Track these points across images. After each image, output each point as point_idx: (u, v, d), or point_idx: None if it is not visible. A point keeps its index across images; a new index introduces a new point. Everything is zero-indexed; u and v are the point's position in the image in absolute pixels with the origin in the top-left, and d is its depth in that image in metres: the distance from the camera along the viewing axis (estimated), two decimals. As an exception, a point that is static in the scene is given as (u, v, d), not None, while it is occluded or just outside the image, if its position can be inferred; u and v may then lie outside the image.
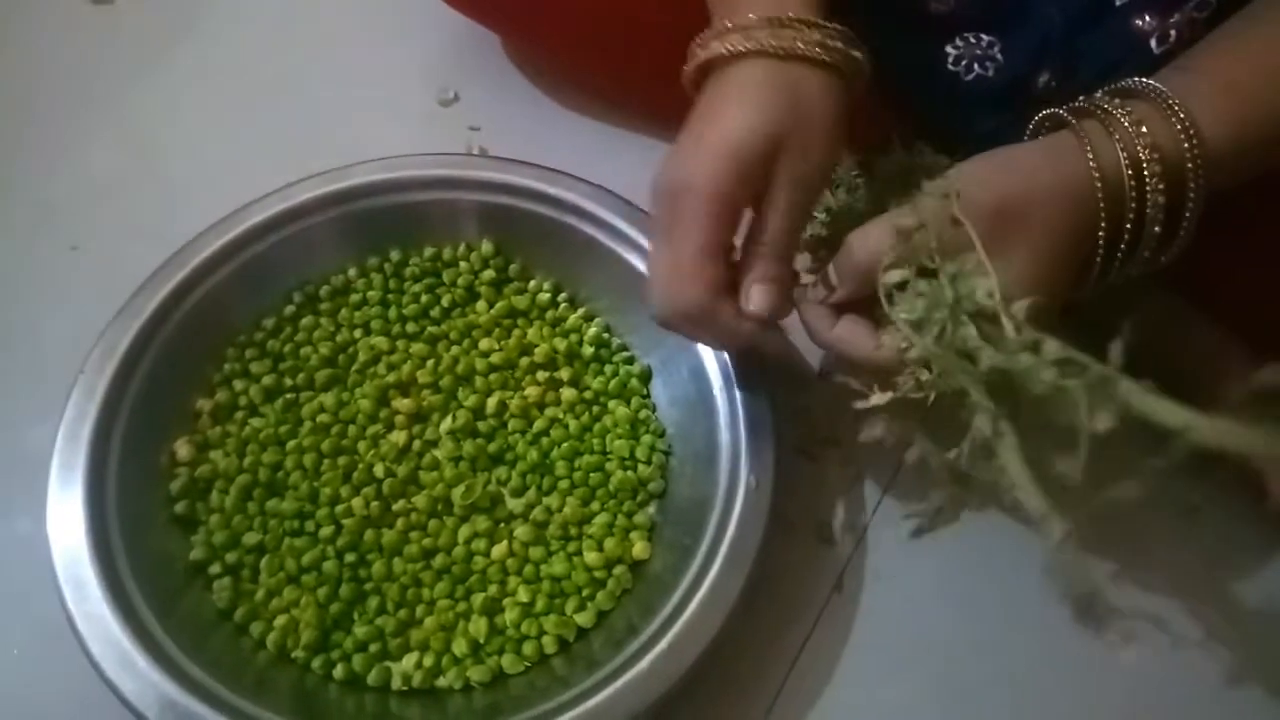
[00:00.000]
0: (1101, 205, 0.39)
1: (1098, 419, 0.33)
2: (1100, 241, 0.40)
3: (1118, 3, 0.48)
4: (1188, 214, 0.39)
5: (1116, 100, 0.40)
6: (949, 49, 0.51)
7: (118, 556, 0.45)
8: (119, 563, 0.45)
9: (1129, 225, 0.39)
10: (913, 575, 0.51)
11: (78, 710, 0.45)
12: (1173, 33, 0.46)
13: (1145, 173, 0.38)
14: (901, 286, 0.40)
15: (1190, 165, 0.38)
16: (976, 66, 0.51)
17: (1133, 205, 0.39)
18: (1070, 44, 0.49)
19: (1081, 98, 0.42)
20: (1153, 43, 0.47)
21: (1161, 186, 0.38)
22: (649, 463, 0.51)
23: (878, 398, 0.39)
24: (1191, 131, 0.38)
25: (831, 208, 0.50)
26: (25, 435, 0.54)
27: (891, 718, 0.47)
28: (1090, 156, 0.39)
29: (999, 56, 0.51)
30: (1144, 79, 0.40)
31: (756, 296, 0.41)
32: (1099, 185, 0.39)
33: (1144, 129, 0.39)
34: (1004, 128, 0.50)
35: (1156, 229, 0.40)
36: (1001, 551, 0.50)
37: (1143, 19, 0.47)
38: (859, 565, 0.51)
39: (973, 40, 0.51)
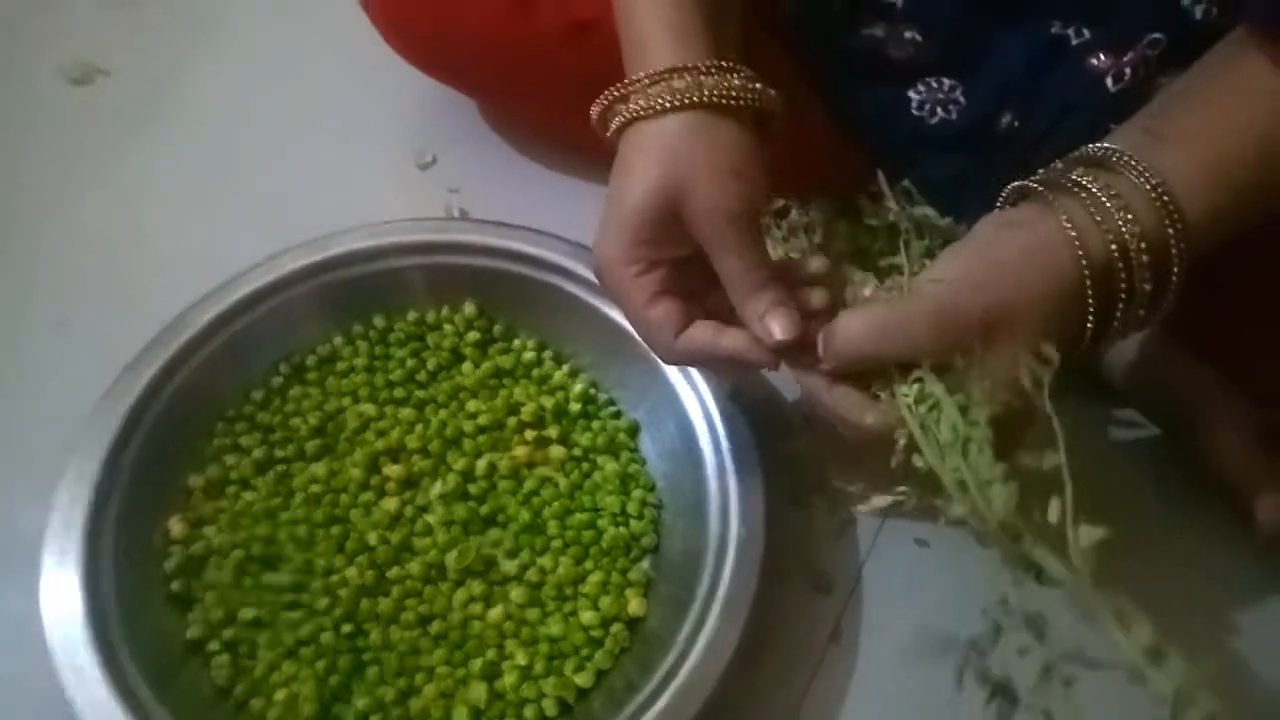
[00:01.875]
0: (1090, 295, 0.38)
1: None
2: (1089, 324, 0.39)
3: (1074, 41, 0.49)
4: (1171, 289, 0.39)
5: (1093, 178, 0.39)
6: (911, 94, 0.52)
7: (115, 637, 0.45)
8: (116, 644, 0.45)
9: (1118, 310, 0.39)
10: (910, 618, 0.51)
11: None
12: (1127, 71, 0.47)
13: (1134, 263, 0.38)
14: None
15: (1174, 248, 0.38)
16: (940, 110, 0.52)
17: (1122, 294, 0.39)
18: (1030, 84, 0.50)
19: (1057, 165, 0.41)
20: (1109, 81, 0.47)
21: (1148, 275, 0.38)
22: (640, 517, 0.52)
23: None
24: (1175, 215, 0.38)
25: (783, 244, 0.51)
26: (14, 516, 0.54)
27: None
28: (1079, 249, 0.38)
29: (961, 99, 0.52)
30: (1116, 147, 0.40)
31: (774, 326, 0.41)
32: (1088, 277, 0.38)
33: (1130, 215, 0.38)
34: (970, 169, 0.51)
35: (1141, 312, 0.39)
36: (996, 587, 0.51)
37: (1097, 58, 0.48)
38: (855, 611, 0.51)
39: (935, 84, 0.52)
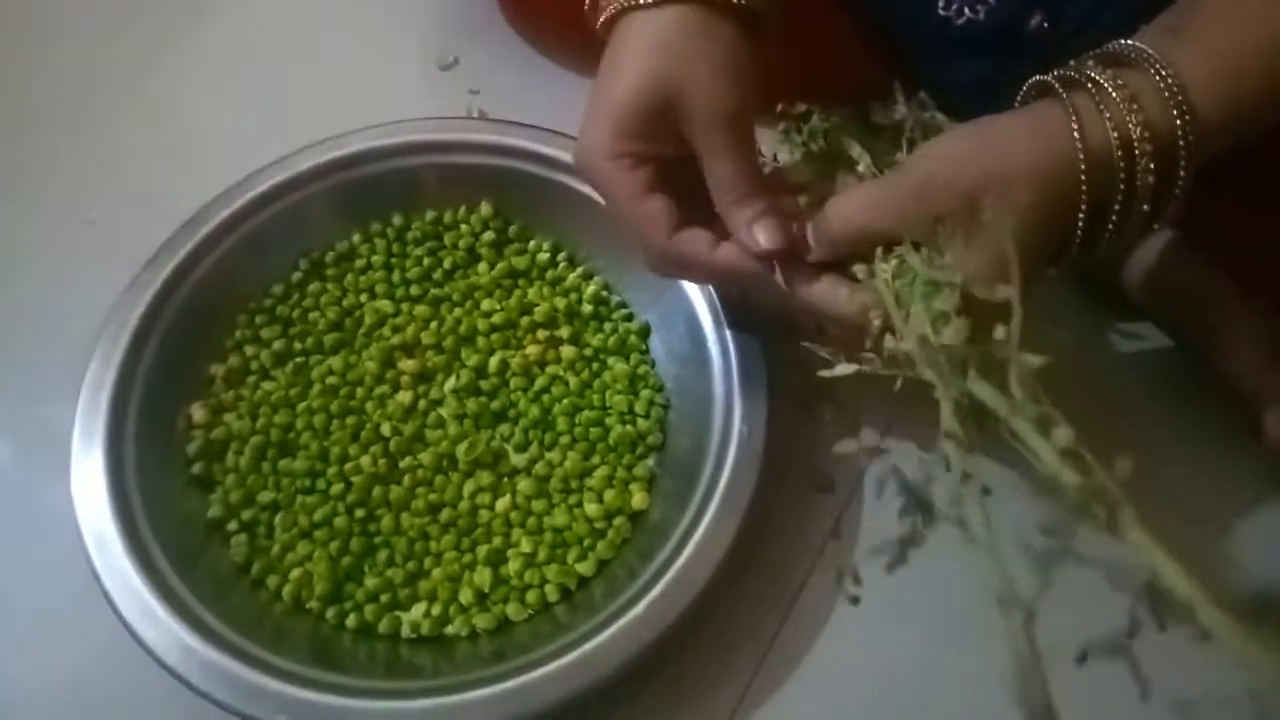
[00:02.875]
0: (1084, 184, 0.38)
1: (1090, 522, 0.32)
2: (1081, 218, 0.39)
3: None
4: (1178, 189, 0.38)
5: (1108, 70, 0.38)
6: None
7: (138, 517, 0.47)
8: (140, 522, 0.47)
9: (1117, 203, 0.38)
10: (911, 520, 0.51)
11: (107, 662, 0.48)
12: None
13: (1136, 152, 0.37)
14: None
15: (1182, 143, 0.37)
16: (967, 10, 0.51)
17: (1121, 184, 0.38)
18: None
19: (1072, 63, 0.40)
20: None
21: (1152, 166, 0.37)
22: (647, 416, 0.53)
23: (843, 368, 0.40)
24: (1185, 108, 0.37)
25: (802, 149, 0.50)
26: (47, 407, 0.56)
27: (892, 660, 0.48)
28: (1076, 135, 0.37)
29: None
30: (1136, 43, 0.39)
31: (761, 236, 0.41)
32: (1082, 165, 0.37)
33: (1136, 105, 0.37)
34: (995, 73, 0.50)
35: (1145, 207, 0.39)
36: (1002, 494, 0.51)
37: None
38: (856, 512, 0.52)
39: None
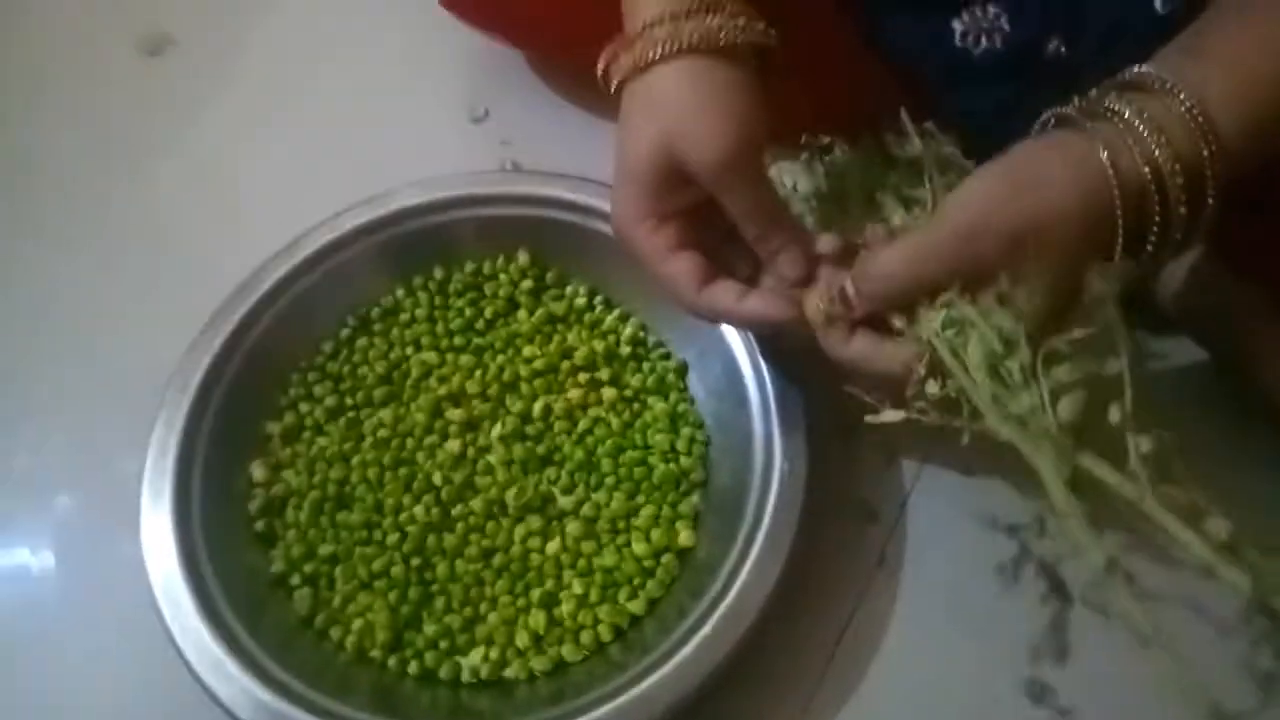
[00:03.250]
0: (1120, 215, 0.38)
1: None
2: (1119, 246, 0.39)
3: None
4: (1206, 210, 0.39)
5: (1131, 101, 0.38)
6: (955, 24, 0.52)
7: (206, 573, 0.49)
8: (208, 579, 0.49)
9: (1153, 231, 0.39)
10: (955, 545, 0.52)
11: (176, 713, 0.49)
12: None
13: (1168, 184, 0.37)
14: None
15: (1209, 168, 0.37)
16: (984, 40, 0.51)
17: (1157, 214, 0.38)
18: (1076, 7, 0.49)
19: (1093, 93, 0.41)
20: (1156, 2, 0.47)
21: (1184, 198, 0.38)
22: (690, 454, 0.54)
23: (890, 414, 0.41)
24: (1211, 135, 0.37)
25: (824, 180, 0.51)
26: (115, 465, 0.58)
27: (941, 688, 0.49)
28: (1111, 170, 0.38)
29: (1006, 26, 0.51)
30: (1155, 70, 0.39)
31: (786, 269, 0.43)
32: (1119, 198, 0.38)
33: (1164, 138, 0.37)
34: (1013, 99, 0.51)
35: (1179, 236, 0.39)
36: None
37: None
38: (901, 540, 0.52)
39: (979, 13, 0.51)
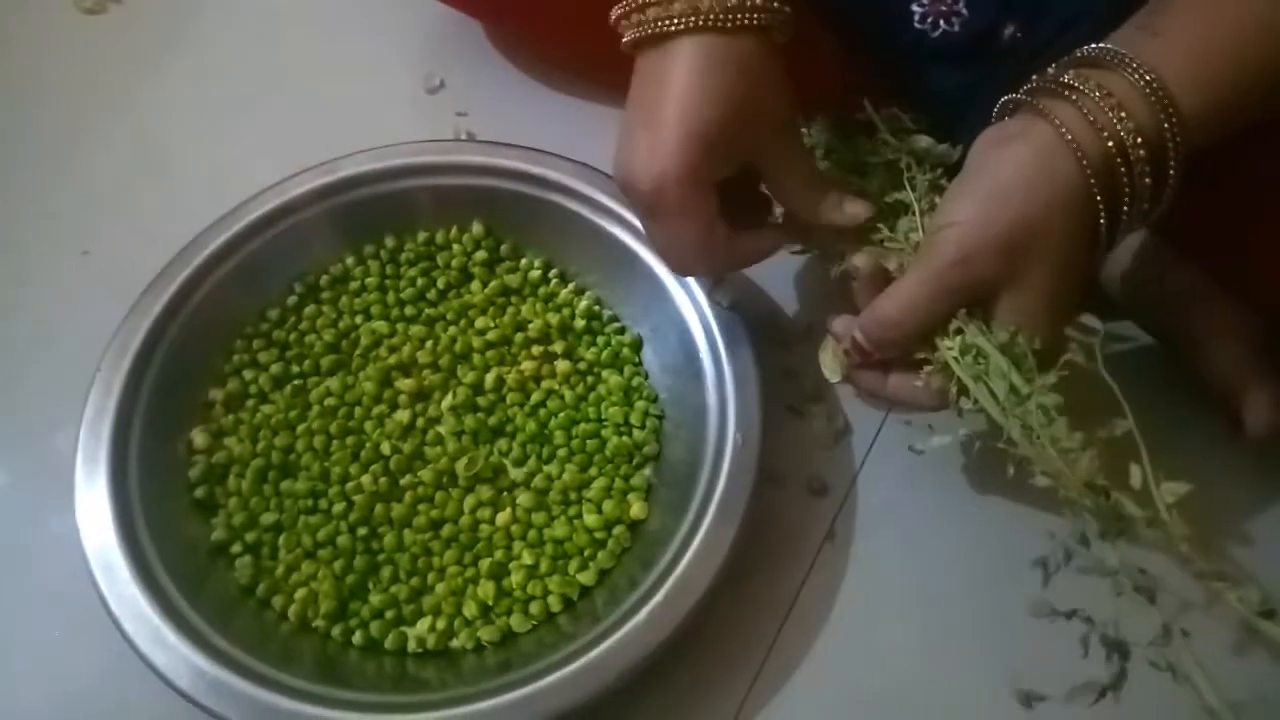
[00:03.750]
0: (1099, 199, 0.39)
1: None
2: (1103, 224, 0.40)
3: None
4: (1169, 184, 0.40)
5: (1089, 78, 0.39)
6: (914, 7, 0.52)
7: (144, 542, 0.47)
8: (145, 547, 0.47)
9: (1125, 204, 0.40)
10: (904, 521, 0.52)
11: (116, 685, 0.48)
12: None
13: (1131, 156, 0.38)
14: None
15: (1170, 142, 0.38)
16: (943, 23, 0.52)
17: (1126, 188, 0.39)
18: None
19: (1050, 70, 0.42)
20: None
21: (1148, 169, 0.39)
22: (643, 427, 0.53)
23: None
24: (1170, 109, 0.38)
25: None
26: (49, 436, 0.56)
27: (887, 659, 0.49)
28: (1078, 152, 0.38)
29: (964, 11, 0.51)
30: (1111, 45, 0.40)
31: (856, 208, 0.46)
32: (1091, 179, 0.39)
33: (1124, 112, 0.38)
34: (972, 83, 0.51)
35: (1145, 207, 0.40)
36: (994, 495, 0.52)
37: None
38: (850, 514, 0.53)
39: None
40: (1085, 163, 0.38)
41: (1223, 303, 0.51)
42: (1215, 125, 0.39)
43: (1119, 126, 0.38)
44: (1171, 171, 0.39)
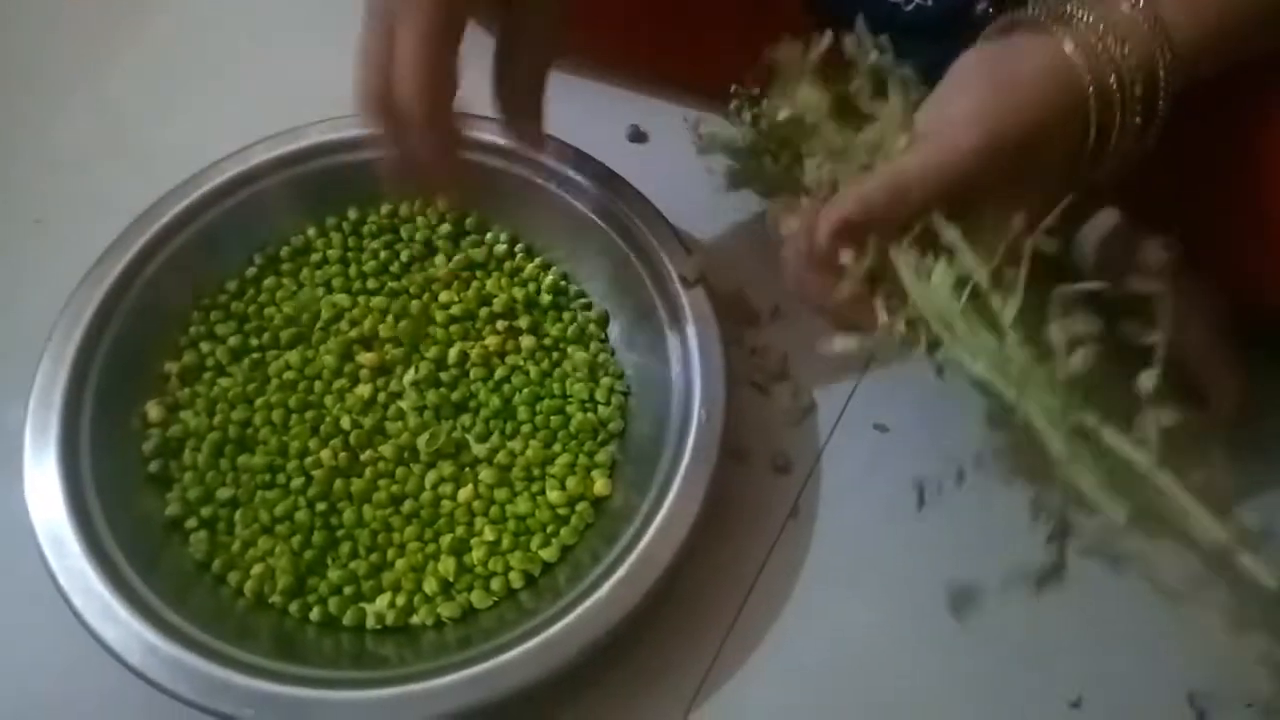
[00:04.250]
0: (1093, 128, 0.39)
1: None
2: (1091, 145, 0.40)
3: None
4: (1156, 122, 0.40)
5: (1090, 6, 0.40)
6: None
7: (95, 516, 0.46)
8: (96, 522, 0.46)
9: (1115, 130, 0.40)
10: (867, 499, 0.52)
11: (65, 665, 0.47)
12: None
13: (1128, 92, 0.39)
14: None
15: (1163, 71, 0.39)
16: None
17: (1119, 114, 0.40)
18: None
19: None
20: None
21: (1139, 93, 0.39)
22: (608, 404, 0.53)
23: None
24: (1166, 44, 0.39)
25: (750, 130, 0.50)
26: (0, 409, 0.55)
27: (848, 635, 0.49)
28: (1088, 73, 0.39)
29: None
30: None
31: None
32: (1092, 97, 0.39)
33: (1126, 45, 0.39)
34: (942, 58, 0.51)
35: (1130, 143, 0.41)
36: (953, 470, 0.52)
37: None
38: (814, 492, 0.53)
39: None
40: (1091, 88, 0.39)
41: (1192, 281, 0.52)
42: (1206, 59, 0.40)
43: (1119, 58, 0.39)
44: (1162, 100, 0.40)
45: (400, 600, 0.47)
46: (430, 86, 0.39)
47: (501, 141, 0.56)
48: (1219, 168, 0.48)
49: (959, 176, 0.39)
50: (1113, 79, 0.39)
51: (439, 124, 0.41)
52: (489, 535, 0.49)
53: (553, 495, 0.50)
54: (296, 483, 0.50)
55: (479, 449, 0.52)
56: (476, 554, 0.49)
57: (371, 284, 0.56)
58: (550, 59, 0.44)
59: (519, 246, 0.58)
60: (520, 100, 0.45)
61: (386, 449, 0.51)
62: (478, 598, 0.47)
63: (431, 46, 0.39)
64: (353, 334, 0.54)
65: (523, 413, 0.52)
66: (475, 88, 0.65)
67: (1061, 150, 0.40)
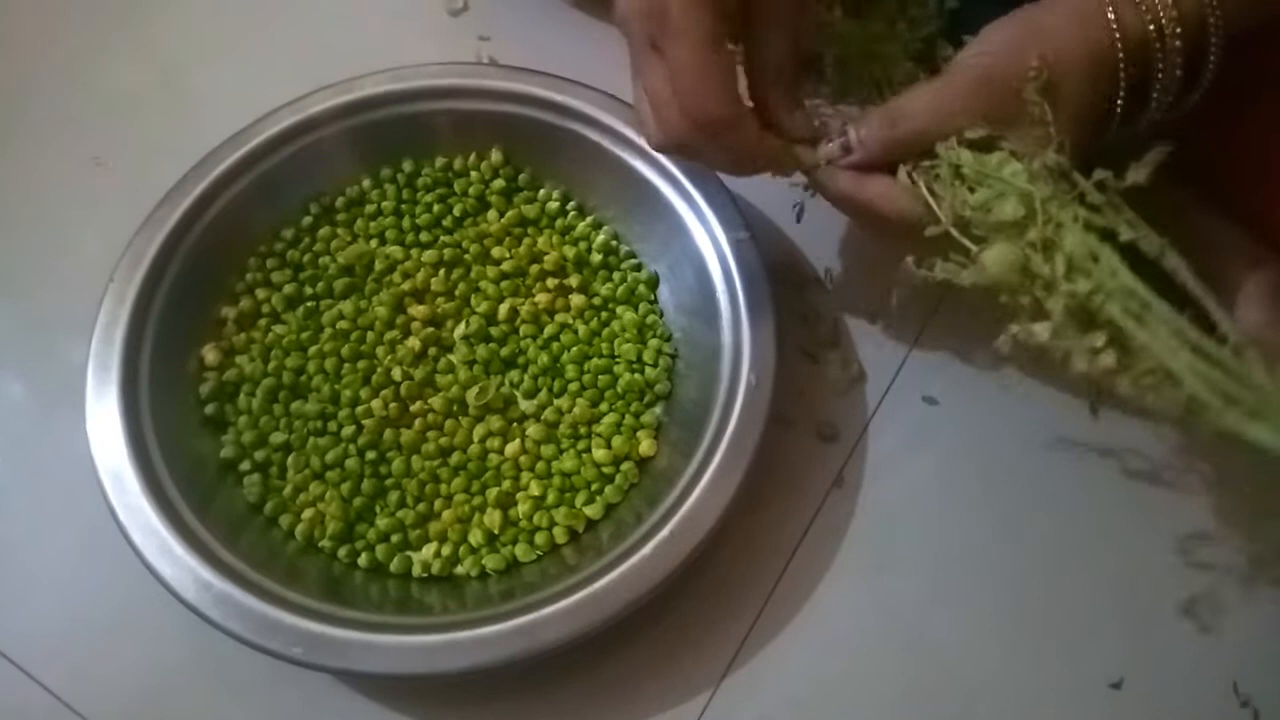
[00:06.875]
0: (1123, 78, 0.40)
1: None
2: (1121, 100, 0.41)
3: None
4: (1211, 64, 0.40)
5: None
6: None
7: (154, 455, 0.48)
8: (155, 461, 0.47)
9: (1156, 84, 0.40)
10: (912, 471, 0.52)
11: (122, 598, 0.49)
12: None
13: (1167, 46, 0.39)
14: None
15: (1212, 19, 0.39)
16: None
17: (1160, 68, 0.40)
18: None
19: None
20: None
21: (1179, 44, 0.39)
22: (656, 365, 0.53)
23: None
24: None
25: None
26: (61, 346, 0.57)
27: (888, 607, 0.49)
28: (1115, 25, 0.39)
29: None
30: None
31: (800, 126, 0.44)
32: (1122, 58, 0.39)
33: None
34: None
35: (1171, 98, 0.41)
36: (1001, 446, 0.52)
37: None
38: (859, 462, 0.53)
39: None
40: (1119, 37, 0.39)
41: (1248, 254, 0.50)
42: (1253, 11, 0.40)
43: (1161, 12, 0.39)
44: (1212, 49, 0.40)
45: (446, 550, 0.48)
46: (718, 97, 0.40)
47: (555, 96, 0.56)
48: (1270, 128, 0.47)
49: (960, 103, 0.40)
50: (1152, 32, 0.39)
51: (744, 125, 0.42)
52: (535, 490, 0.49)
53: (598, 454, 0.50)
54: (347, 431, 0.51)
55: (527, 405, 0.52)
56: (522, 508, 0.49)
57: (425, 237, 0.57)
58: (797, 38, 0.44)
59: (571, 204, 0.58)
60: (777, 93, 0.44)
61: (436, 401, 0.51)
62: (522, 551, 0.48)
63: (705, 53, 0.39)
64: (405, 286, 0.55)
65: (570, 371, 0.53)
66: (517, 41, 0.65)
67: (1085, 98, 0.40)
